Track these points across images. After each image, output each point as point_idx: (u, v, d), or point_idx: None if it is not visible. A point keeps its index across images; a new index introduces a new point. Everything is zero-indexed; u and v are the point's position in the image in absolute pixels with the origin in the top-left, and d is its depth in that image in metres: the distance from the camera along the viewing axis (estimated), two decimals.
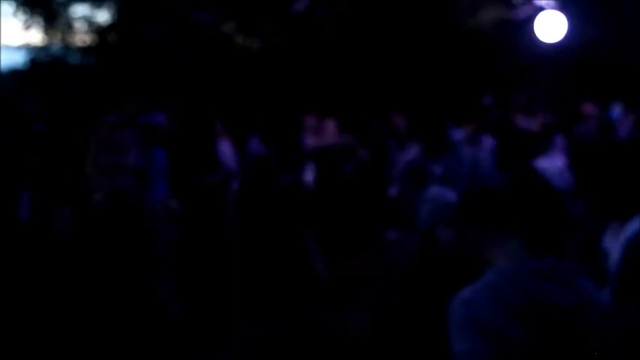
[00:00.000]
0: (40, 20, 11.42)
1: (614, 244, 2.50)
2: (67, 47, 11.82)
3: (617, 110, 9.43)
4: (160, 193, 5.94)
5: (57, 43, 11.78)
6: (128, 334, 4.76)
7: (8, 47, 11.41)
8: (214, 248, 6.26)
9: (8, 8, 11.17)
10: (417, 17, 11.12)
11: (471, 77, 11.66)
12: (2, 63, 10.46)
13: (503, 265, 1.89)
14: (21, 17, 11.37)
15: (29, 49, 11.75)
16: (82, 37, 11.95)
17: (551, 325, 1.77)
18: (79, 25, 11.82)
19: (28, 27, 11.12)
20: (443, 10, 11.03)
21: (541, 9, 10.07)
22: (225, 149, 7.04)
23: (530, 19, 10.63)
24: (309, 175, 6.80)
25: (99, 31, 11.94)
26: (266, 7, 11.62)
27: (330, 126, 7.42)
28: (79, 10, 11.76)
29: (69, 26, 11.66)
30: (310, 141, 7.61)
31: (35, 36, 11.68)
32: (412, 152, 5.16)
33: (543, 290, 1.81)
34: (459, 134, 5.31)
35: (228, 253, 6.42)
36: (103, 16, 12.03)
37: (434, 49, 11.45)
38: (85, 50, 12.01)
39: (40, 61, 11.63)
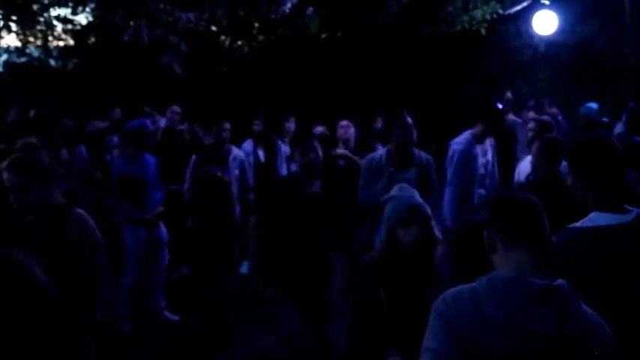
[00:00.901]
0: (17, 22, 11.02)
1: None
2: (47, 49, 11.46)
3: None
4: (154, 202, 5.54)
5: (35, 45, 11.44)
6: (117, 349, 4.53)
7: None
8: (216, 254, 5.93)
9: None
10: (410, 18, 10.87)
11: (465, 76, 11.47)
12: None
13: (499, 274, 1.80)
14: None
15: (6, 51, 11.42)
16: (61, 39, 11.61)
17: (530, 351, 1.69)
18: (59, 27, 11.46)
19: (4, 28, 10.69)
20: (436, 9, 10.80)
21: (536, 2, 9.92)
22: (239, 153, 6.66)
23: (523, 15, 10.44)
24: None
25: (79, 32, 11.60)
26: (252, 9, 11.36)
27: (346, 126, 6.82)
28: (58, 12, 11.39)
29: (48, 28, 11.27)
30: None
31: (12, 38, 11.33)
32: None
33: (531, 313, 1.71)
34: (466, 134, 5.01)
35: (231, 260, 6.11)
36: (82, 18, 11.69)
37: (427, 49, 11.22)
38: (64, 52, 11.66)
39: (18, 64, 11.29)
